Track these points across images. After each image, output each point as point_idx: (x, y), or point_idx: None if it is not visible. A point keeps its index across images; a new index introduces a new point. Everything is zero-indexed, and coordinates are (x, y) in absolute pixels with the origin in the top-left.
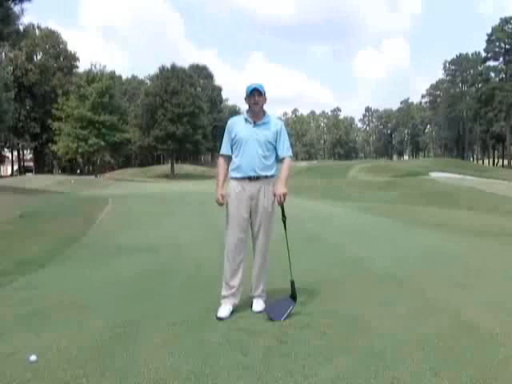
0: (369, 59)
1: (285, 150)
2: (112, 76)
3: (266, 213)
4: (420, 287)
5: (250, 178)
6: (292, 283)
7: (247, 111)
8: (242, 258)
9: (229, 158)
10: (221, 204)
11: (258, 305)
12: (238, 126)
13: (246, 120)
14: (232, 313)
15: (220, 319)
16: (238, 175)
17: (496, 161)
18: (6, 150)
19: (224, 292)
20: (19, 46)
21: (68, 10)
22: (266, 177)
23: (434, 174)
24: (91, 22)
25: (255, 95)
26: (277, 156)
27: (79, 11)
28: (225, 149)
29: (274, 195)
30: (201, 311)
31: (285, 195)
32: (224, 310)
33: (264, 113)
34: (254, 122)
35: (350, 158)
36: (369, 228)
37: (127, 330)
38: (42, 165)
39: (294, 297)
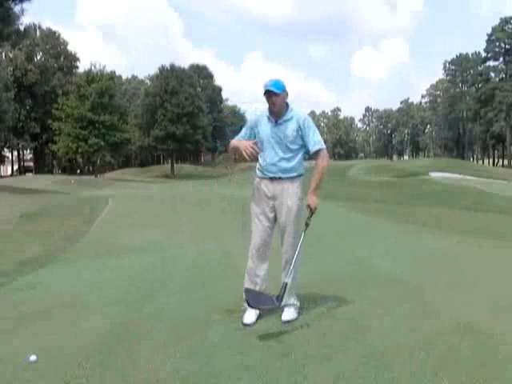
0: (368, 59)
1: (312, 143)
2: (112, 76)
3: (290, 212)
4: (420, 287)
5: (271, 179)
6: (285, 285)
7: (269, 109)
8: (265, 259)
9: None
10: (251, 151)
11: (287, 314)
12: (260, 125)
13: (268, 118)
14: (232, 313)
15: (246, 325)
16: (261, 175)
17: (496, 161)
18: (5, 149)
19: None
20: (19, 46)
21: (67, 9)
22: (290, 178)
23: (433, 174)
24: (90, 21)
25: (271, 96)
26: (308, 152)
27: (78, 11)
28: (238, 138)
29: (298, 197)
30: (201, 311)
31: (315, 208)
32: (250, 316)
33: (287, 108)
34: (276, 121)
35: (350, 157)
36: (368, 228)
37: (127, 330)
38: (42, 165)
39: (279, 298)
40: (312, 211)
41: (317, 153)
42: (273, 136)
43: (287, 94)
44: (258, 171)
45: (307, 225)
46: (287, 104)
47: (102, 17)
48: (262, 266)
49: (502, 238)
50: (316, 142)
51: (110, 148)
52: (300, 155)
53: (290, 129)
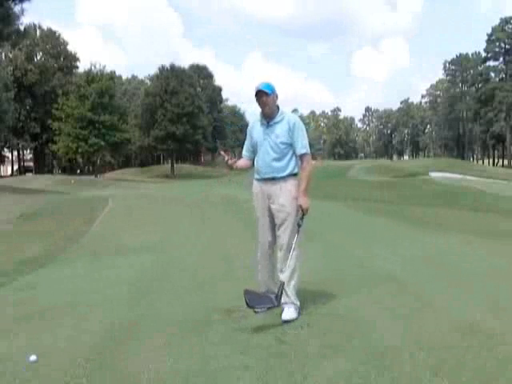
0: (369, 59)
1: (299, 146)
2: (112, 76)
3: (284, 211)
4: (420, 287)
5: (265, 180)
6: (282, 284)
7: (261, 112)
8: (272, 258)
9: (249, 159)
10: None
11: (287, 314)
12: (254, 129)
13: (261, 122)
14: (232, 313)
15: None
16: (257, 177)
17: (496, 161)
18: (5, 149)
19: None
20: (19, 46)
21: (66, 9)
22: (282, 177)
23: (433, 174)
24: (90, 21)
25: (262, 97)
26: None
27: (78, 11)
28: (244, 152)
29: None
30: (201, 311)
31: (306, 209)
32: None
33: (278, 110)
34: (268, 123)
35: (350, 158)
36: (368, 228)
37: (127, 330)
38: (42, 165)
39: (278, 298)
40: (304, 212)
41: (301, 156)
42: (265, 137)
43: (277, 96)
44: (255, 174)
45: (299, 225)
46: (278, 107)
47: (102, 17)
48: (268, 265)
49: (502, 237)
50: (303, 145)
51: (110, 148)
52: (291, 155)
53: (281, 129)
